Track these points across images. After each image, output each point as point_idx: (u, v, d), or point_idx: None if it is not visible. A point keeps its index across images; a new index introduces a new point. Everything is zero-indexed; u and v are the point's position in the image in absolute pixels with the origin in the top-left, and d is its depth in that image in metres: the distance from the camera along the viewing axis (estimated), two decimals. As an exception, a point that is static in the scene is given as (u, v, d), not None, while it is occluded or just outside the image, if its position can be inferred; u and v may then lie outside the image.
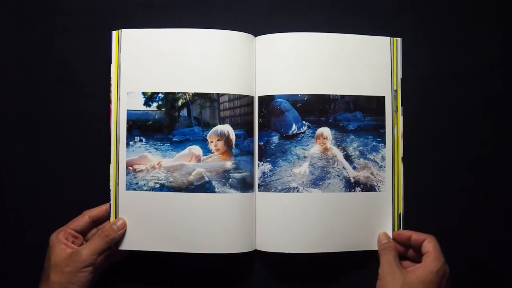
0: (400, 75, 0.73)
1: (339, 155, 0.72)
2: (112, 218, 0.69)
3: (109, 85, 0.70)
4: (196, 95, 0.70)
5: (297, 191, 0.70)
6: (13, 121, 0.75)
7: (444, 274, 0.64)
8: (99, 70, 0.72)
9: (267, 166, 0.71)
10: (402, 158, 0.73)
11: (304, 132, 0.72)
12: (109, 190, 0.69)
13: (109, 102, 0.70)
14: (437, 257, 0.64)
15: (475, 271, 0.75)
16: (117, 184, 0.69)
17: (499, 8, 0.76)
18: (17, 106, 0.75)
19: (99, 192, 0.71)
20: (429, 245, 0.66)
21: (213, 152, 0.70)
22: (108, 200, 0.69)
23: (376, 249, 0.71)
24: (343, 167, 0.72)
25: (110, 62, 0.70)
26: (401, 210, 0.72)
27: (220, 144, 0.70)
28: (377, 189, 0.72)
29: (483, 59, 0.76)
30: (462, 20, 0.76)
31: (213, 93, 0.70)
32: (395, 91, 0.73)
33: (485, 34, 0.76)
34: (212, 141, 0.70)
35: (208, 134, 0.70)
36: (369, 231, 0.71)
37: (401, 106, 0.73)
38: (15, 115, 0.75)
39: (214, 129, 0.70)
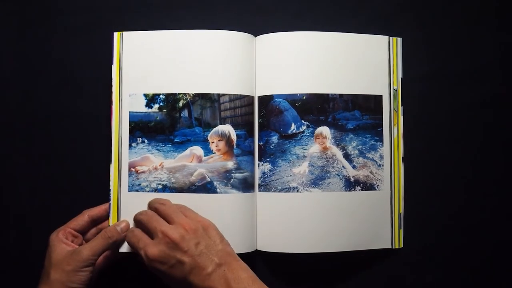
0: (400, 75, 0.73)
1: (339, 154, 0.72)
2: (111, 218, 0.69)
3: (110, 86, 0.70)
4: (197, 95, 0.70)
5: (297, 191, 0.70)
6: (13, 121, 0.75)
7: None
8: (100, 71, 0.73)
9: (267, 166, 0.71)
10: (403, 158, 0.73)
11: (303, 132, 0.72)
12: (109, 190, 0.70)
13: (111, 103, 0.70)
14: None
15: (475, 271, 0.75)
16: (119, 185, 0.70)
17: (499, 8, 0.76)
18: (17, 107, 0.75)
19: (101, 194, 0.71)
20: None
21: (214, 153, 0.70)
22: (108, 200, 0.70)
23: (376, 248, 0.71)
24: (342, 166, 0.72)
25: (111, 63, 0.70)
26: (401, 210, 0.73)
27: (221, 144, 0.70)
28: (376, 188, 0.72)
29: (483, 59, 0.76)
30: (462, 20, 0.76)
31: (213, 94, 0.70)
32: (395, 90, 0.73)
33: (485, 34, 0.76)
34: (213, 142, 0.70)
35: (209, 135, 0.70)
36: (369, 230, 0.72)
37: (401, 105, 0.73)
38: (15, 116, 0.75)
39: (215, 129, 0.70)
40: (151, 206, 0.67)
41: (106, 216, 0.69)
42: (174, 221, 0.63)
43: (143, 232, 0.64)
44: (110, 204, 0.69)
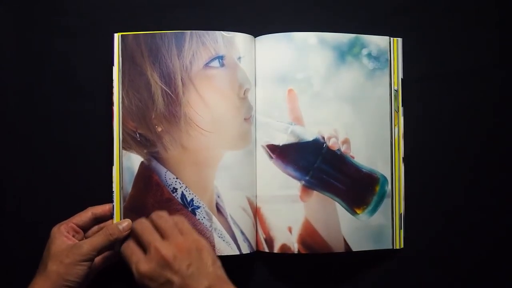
0: (400, 75, 0.73)
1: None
2: (115, 219, 0.69)
3: (111, 87, 0.70)
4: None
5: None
6: (13, 121, 0.74)
7: None
8: (101, 72, 0.72)
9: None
10: (403, 158, 0.73)
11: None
12: (112, 192, 0.70)
13: (112, 104, 0.70)
14: None
15: (475, 271, 0.75)
16: (121, 187, 0.70)
17: (499, 8, 0.77)
18: (18, 107, 0.74)
19: (103, 195, 0.71)
20: None
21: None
22: (112, 201, 0.70)
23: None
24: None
25: (112, 64, 0.70)
26: (402, 210, 0.73)
27: None
28: (376, 190, 0.72)
29: (483, 59, 0.76)
30: (462, 20, 0.76)
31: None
32: (396, 91, 0.73)
33: (485, 34, 0.76)
34: None
35: None
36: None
37: (402, 106, 0.73)
38: (15, 115, 0.74)
39: None
40: (149, 217, 0.66)
41: (109, 216, 0.70)
42: (169, 238, 0.62)
43: (137, 245, 0.64)
44: (113, 205, 0.70)
